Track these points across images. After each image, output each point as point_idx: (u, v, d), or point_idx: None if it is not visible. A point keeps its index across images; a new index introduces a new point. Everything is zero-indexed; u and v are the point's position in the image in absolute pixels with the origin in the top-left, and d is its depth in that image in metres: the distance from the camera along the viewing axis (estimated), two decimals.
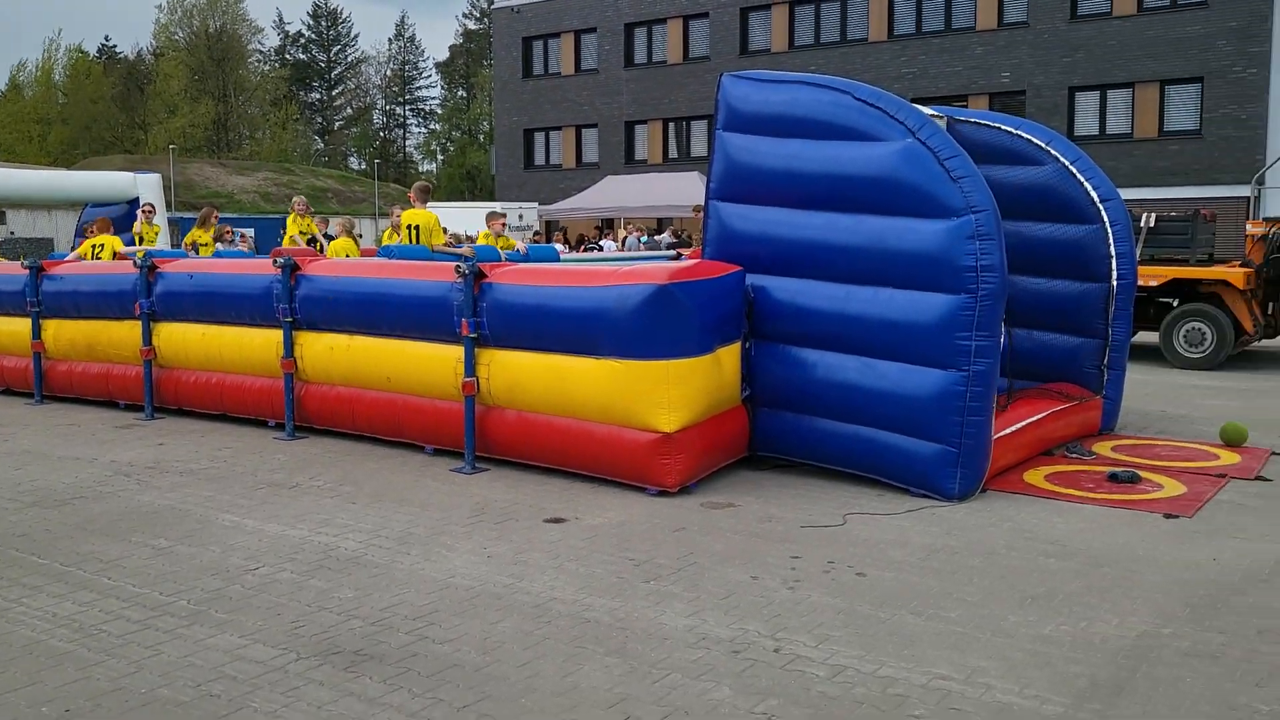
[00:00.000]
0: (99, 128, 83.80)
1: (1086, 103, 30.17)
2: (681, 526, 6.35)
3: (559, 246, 18.35)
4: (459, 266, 7.68)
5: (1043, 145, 8.93)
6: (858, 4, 33.45)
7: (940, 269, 6.80)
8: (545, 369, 7.38)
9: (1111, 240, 8.71)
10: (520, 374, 7.53)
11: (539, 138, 40.54)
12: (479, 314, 7.64)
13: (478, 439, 7.79)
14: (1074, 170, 8.82)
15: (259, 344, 9.23)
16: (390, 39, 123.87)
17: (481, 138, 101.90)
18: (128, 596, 5.16)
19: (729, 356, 7.39)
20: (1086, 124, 30.15)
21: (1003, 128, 9.07)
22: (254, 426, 9.49)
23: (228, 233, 13.66)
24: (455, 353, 7.84)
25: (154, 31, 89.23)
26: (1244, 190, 27.66)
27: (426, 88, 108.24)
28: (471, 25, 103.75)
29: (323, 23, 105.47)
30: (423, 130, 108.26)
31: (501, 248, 12.06)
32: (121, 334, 10.35)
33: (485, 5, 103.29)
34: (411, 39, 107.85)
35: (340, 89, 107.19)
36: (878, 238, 7.03)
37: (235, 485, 7.40)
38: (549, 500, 6.95)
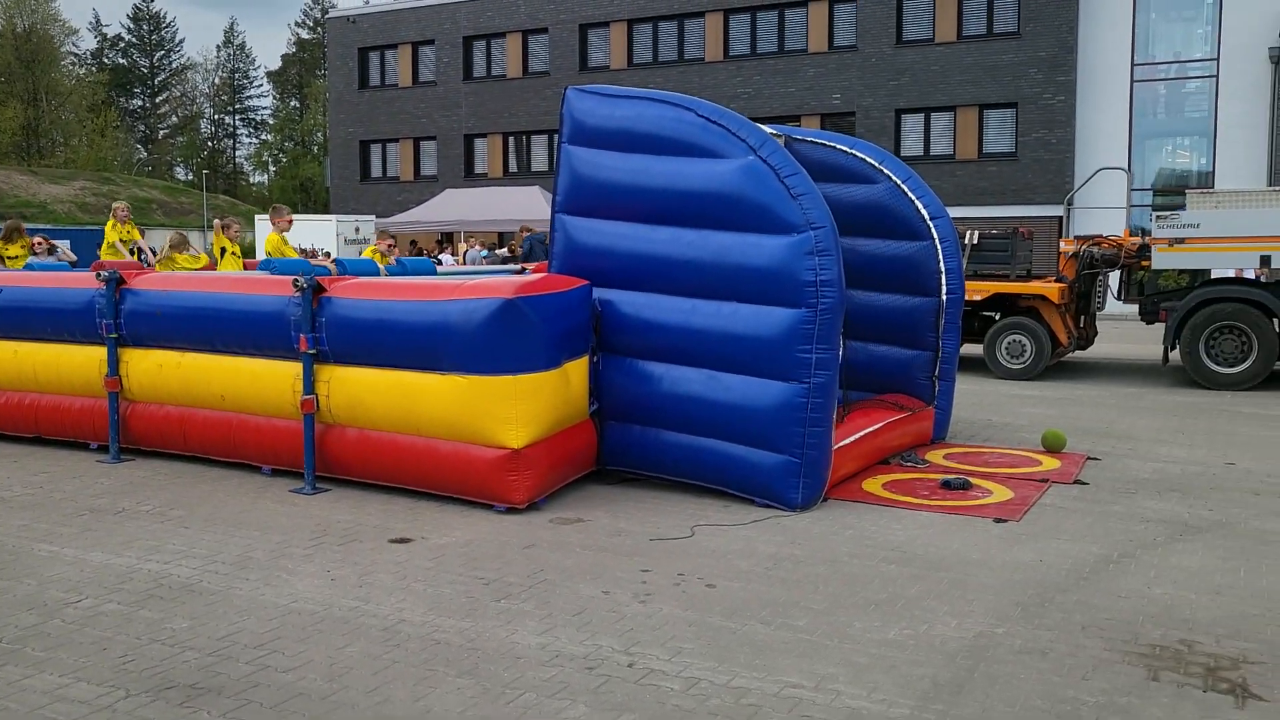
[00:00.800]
0: None
1: (912, 124, 31.47)
2: (531, 543, 6.29)
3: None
4: (297, 280, 7.44)
5: (876, 164, 9.25)
6: (694, 24, 34.05)
7: (781, 284, 6.95)
8: (388, 385, 7.21)
9: (941, 256, 9.08)
10: (361, 391, 7.33)
11: (375, 149, 39.76)
12: (318, 329, 7.42)
13: (318, 458, 7.55)
14: (905, 189, 9.16)
15: (79, 362, 8.73)
16: (219, 45, 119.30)
17: (315, 149, 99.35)
18: None
19: (576, 371, 7.37)
20: (912, 145, 31.44)
21: (838, 147, 9.35)
22: (74, 450, 8.96)
23: (39, 242, 12.85)
24: (293, 369, 7.58)
25: None
26: (1055, 210, 29.36)
27: (258, 97, 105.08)
28: (305, 34, 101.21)
29: (144, 26, 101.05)
30: (254, 140, 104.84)
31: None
32: None
33: (319, 15, 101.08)
34: (241, 46, 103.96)
35: (165, 96, 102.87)
36: (721, 253, 7.14)
37: (53, 513, 6.96)
38: (394, 520, 6.78)
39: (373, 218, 34.54)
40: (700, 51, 33.99)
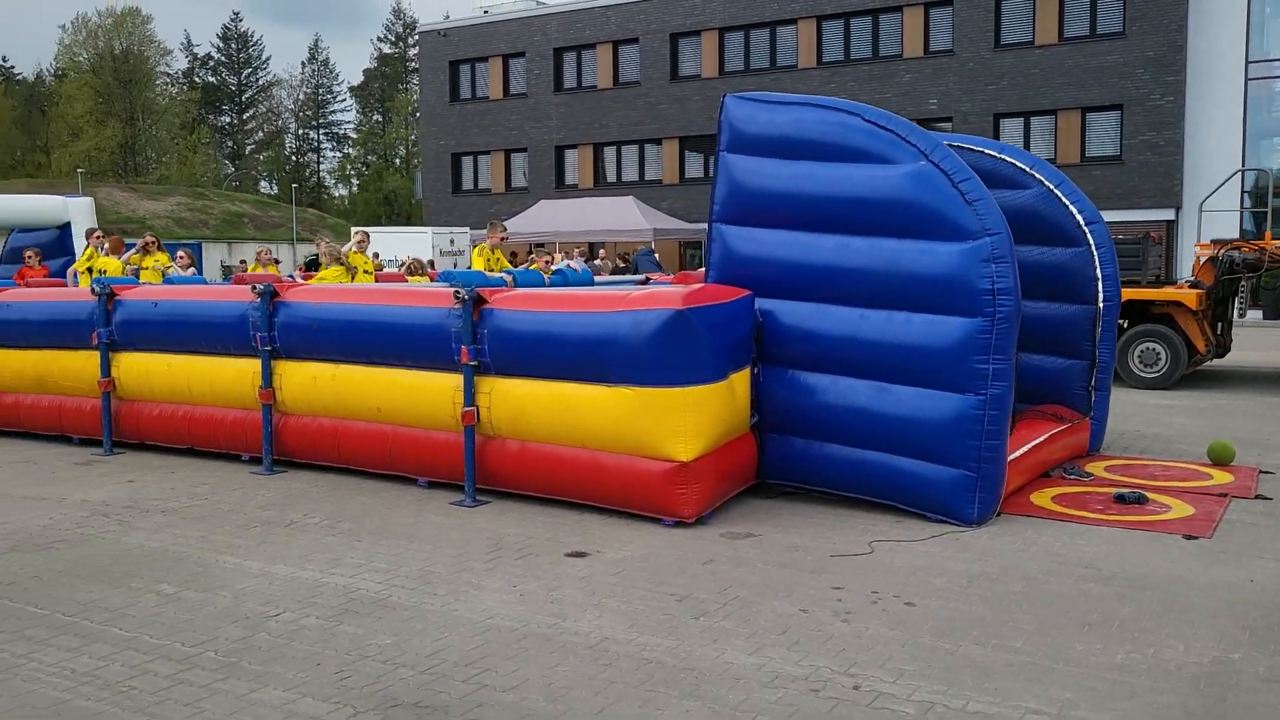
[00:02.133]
0: None
1: (1011, 129, 30.87)
2: (710, 559, 6.17)
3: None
4: (458, 291, 7.43)
5: (1026, 169, 9.00)
6: (786, 31, 33.83)
7: (956, 292, 6.76)
8: (551, 397, 7.15)
9: (1097, 263, 8.80)
10: (524, 403, 7.28)
11: (467, 162, 40.15)
12: (479, 340, 7.39)
13: (478, 471, 7.52)
14: (1059, 193, 8.90)
15: (232, 374, 8.84)
16: (303, 62, 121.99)
17: (398, 161, 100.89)
18: (148, 648, 4.80)
19: (741, 382, 7.25)
20: None
21: (986, 151, 9.12)
22: (226, 461, 9.07)
23: (181, 257, 13.11)
24: (452, 381, 7.57)
25: (56, 53, 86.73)
26: (1163, 214, 28.60)
27: (341, 111, 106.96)
28: (386, 49, 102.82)
29: (233, 45, 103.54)
30: (337, 154, 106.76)
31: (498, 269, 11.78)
32: (76, 365, 9.83)
33: (401, 30, 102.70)
34: (325, 62, 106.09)
35: (252, 113, 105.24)
36: (891, 260, 6.96)
37: (225, 524, 7.01)
38: (563, 534, 6.71)
39: (467, 229, 34.89)
40: (793, 58, 33.76)
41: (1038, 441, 7.92)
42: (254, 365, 8.65)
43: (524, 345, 7.26)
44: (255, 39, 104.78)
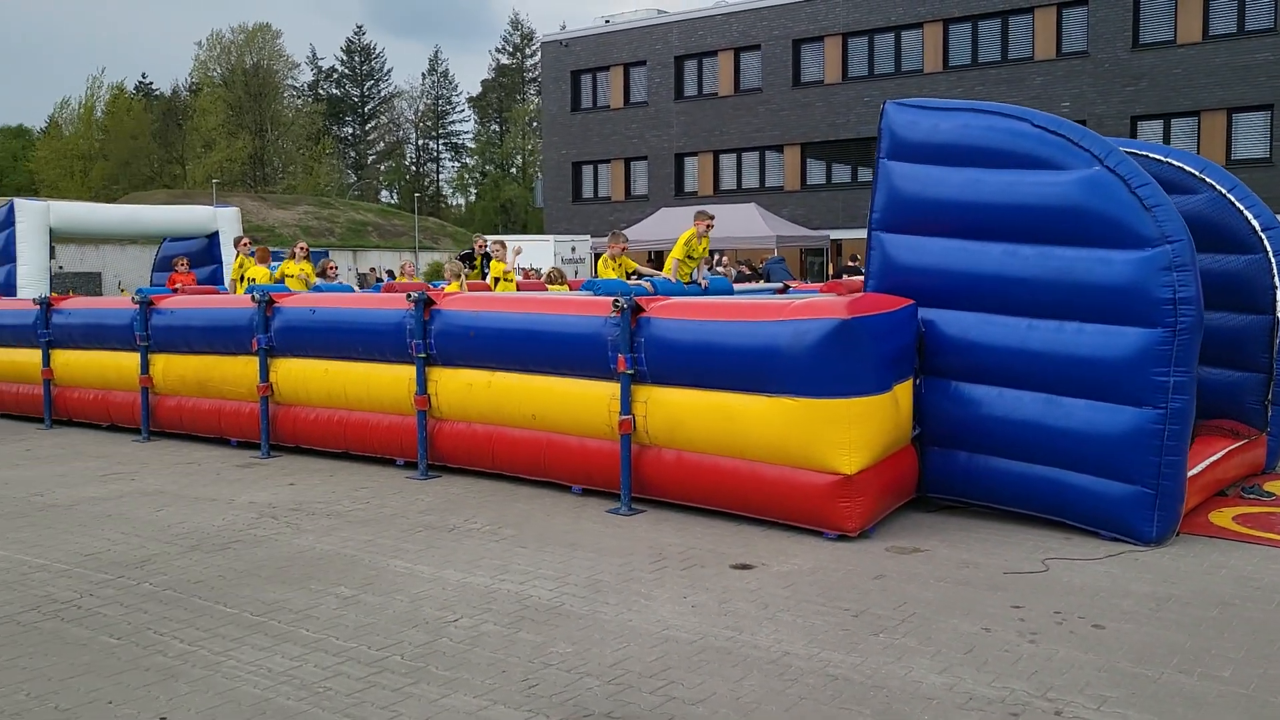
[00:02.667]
0: (138, 163, 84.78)
1: (1149, 132, 29.82)
2: (879, 574, 6.04)
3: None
4: (617, 300, 7.44)
5: (1196, 174, 8.64)
6: (912, 35, 33.29)
7: (1134, 302, 6.51)
8: (709, 407, 7.10)
9: (1275, 271, 8.39)
10: (681, 412, 7.26)
11: (587, 170, 40.50)
12: (636, 349, 7.39)
13: (633, 479, 7.51)
14: (1232, 198, 8.53)
15: (388, 380, 9.02)
16: (424, 74, 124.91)
17: (514, 170, 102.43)
18: (336, 650, 4.90)
19: (904, 394, 7.10)
20: None
21: (1152, 155, 8.78)
22: (380, 465, 9.26)
23: (333, 266, 13.49)
24: (609, 390, 7.59)
25: (192, 68, 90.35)
26: None
27: (459, 122, 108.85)
28: (504, 59, 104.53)
29: (356, 57, 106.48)
30: (455, 164, 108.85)
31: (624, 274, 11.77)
32: (236, 370, 10.16)
33: (518, 40, 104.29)
34: (444, 73, 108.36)
35: (373, 123, 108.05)
36: (1063, 269, 6.73)
37: (390, 528, 7.14)
38: (725, 544, 6.66)
39: (587, 237, 35.22)
40: (918, 63, 33.20)
41: (1215, 458, 7.58)
42: (409, 372, 8.81)
43: (682, 354, 7.23)
44: (377, 51, 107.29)
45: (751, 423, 6.91)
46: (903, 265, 7.44)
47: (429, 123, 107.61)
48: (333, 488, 8.45)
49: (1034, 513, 7.03)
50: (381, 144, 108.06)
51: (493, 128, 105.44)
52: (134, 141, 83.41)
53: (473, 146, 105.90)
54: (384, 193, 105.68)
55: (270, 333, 9.78)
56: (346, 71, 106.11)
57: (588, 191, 40.68)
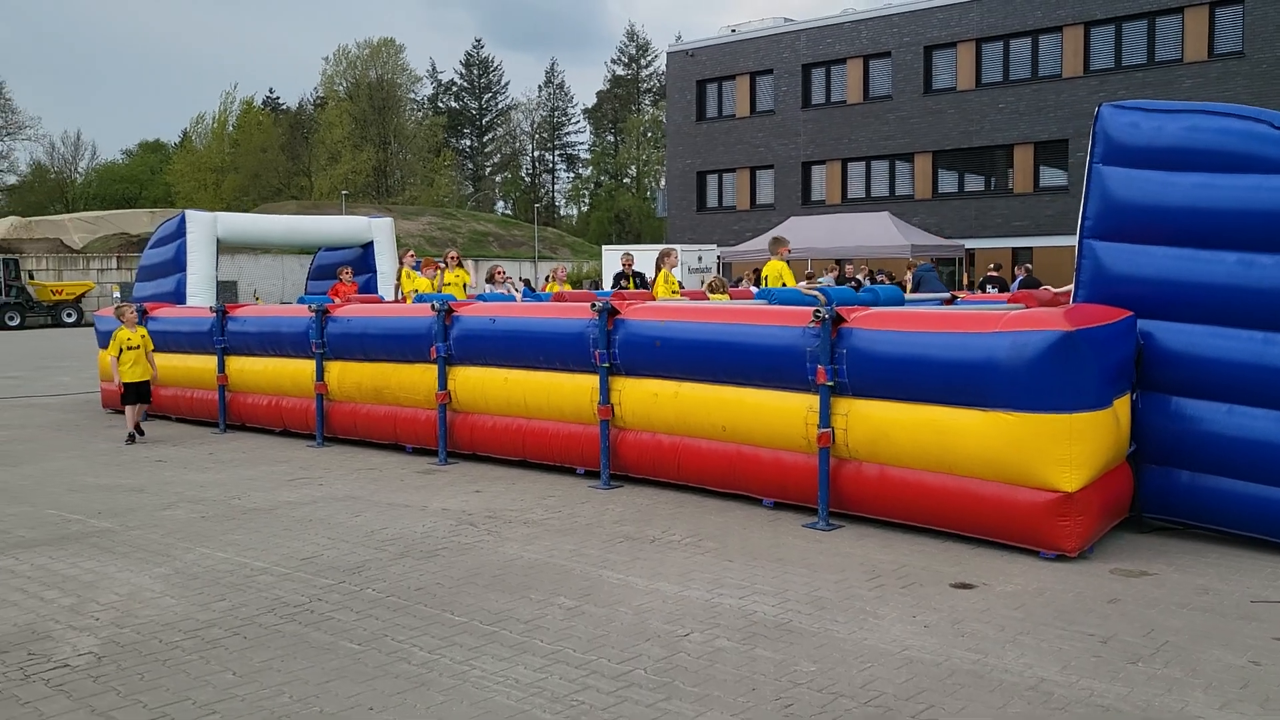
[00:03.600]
0: (267, 175, 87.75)
1: None
2: (1113, 598, 5.77)
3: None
4: (818, 311, 7.30)
5: None
6: (1050, 39, 32.43)
7: None
8: (918, 422, 6.90)
9: None
10: (885, 426, 7.07)
11: (712, 179, 40.45)
12: (837, 360, 7.24)
13: (830, 494, 7.36)
14: None
15: (569, 389, 9.03)
16: (540, 85, 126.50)
17: (628, 181, 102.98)
18: (577, 662, 4.86)
19: (1123, 409, 6.81)
20: None
21: None
22: (558, 474, 9.28)
23: (500, 272, 13.65)
24: (804, 401, 7.46)
25: (320, 82, 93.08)
26: None
27: (574, 133, 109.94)
28: (620, 70, 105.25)
29: (474, 71, 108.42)
30: (570, 175, 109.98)
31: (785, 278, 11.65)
32: (413, 377, 10.31)
33: (634, 51, 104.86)
34: (560, 85, 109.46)
35: (491, 135, 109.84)
36: None
37: (590, 538, 7.11)
38: (936, 563, 6.45)
39: (714, 246, 35.12)
40: (1057, 67, 32.32)
41: None
42: (591, 381, 8.81)
43: (887, 366, 7.06)
44: (495, 64, 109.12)
45: (964, 437, 6.70)
46: (1118, 275, 7.14)
47: (545, 134, 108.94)
48: (519, 495, 8.48)
49: (1269, 538, 6.65)
50: (498, 156, 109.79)
51: (608, 138, 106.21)
52: (263, 155, 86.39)
53: (588, 157, 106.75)
54: (500, 203, 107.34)
55: (449, 341, 9.89)
56: (465, 85, 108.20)
57: (712, 201, 40.61)
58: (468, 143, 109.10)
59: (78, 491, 8.95)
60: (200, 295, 15.25)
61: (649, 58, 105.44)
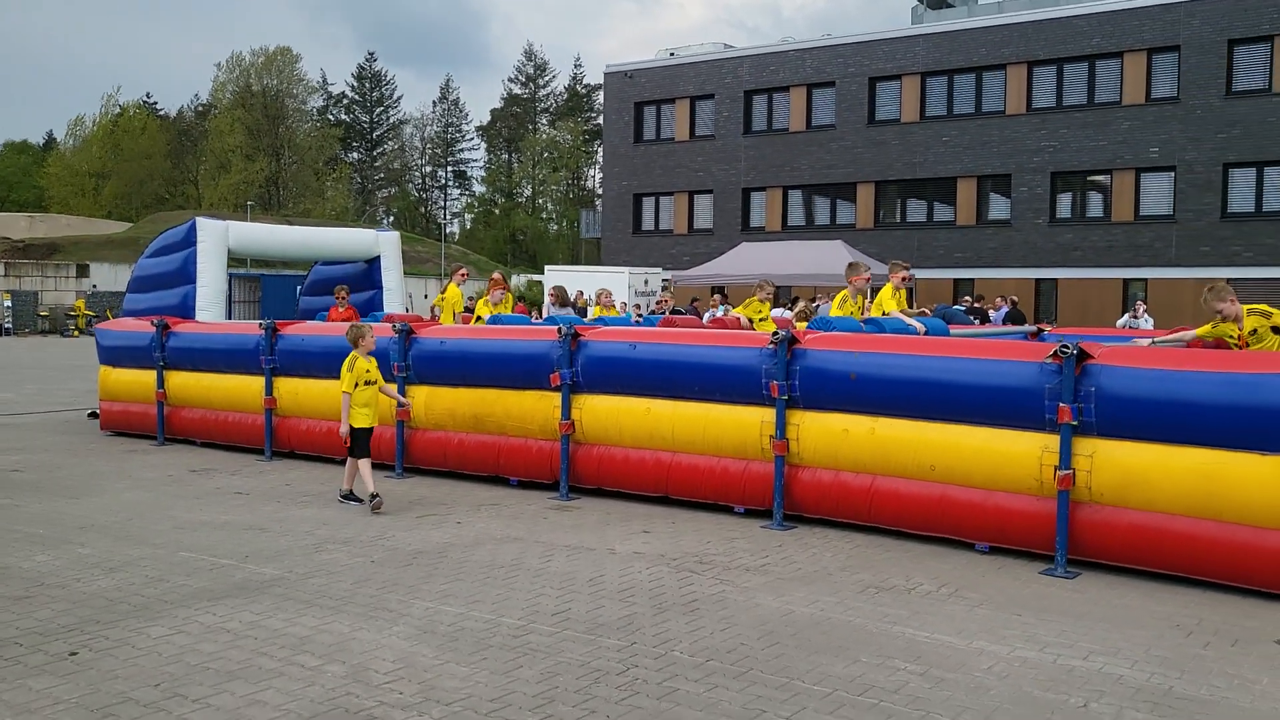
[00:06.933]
0: (152, 183, 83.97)
1: (1241, 178, 29.75)
2: None
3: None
4: (1064, 347, 6.95)
5: None
6: (994, 77, 33.18)
7: None
8: (1184, 467, 6.59)
9: None
10: (1143, 469, 6.74)
11: (648, 202, 40.14)
12: (1083, 399, 6.89)
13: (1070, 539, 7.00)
14: None
15: (729, 422, 8.47)
16: (434, 101, 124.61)
17: (522, 200, 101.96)
18: None
19: None
20: (1241, 201, 29.75)
21: None
22: (710, 512, 8.68)
23: (606, 295, 12.91)
24: (1036, 442, 7.09)
25: (212, 89, 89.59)
26: None
27: (468, 150, 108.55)
28: (516, 89, 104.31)
29: (367, 84, 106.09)
30: (463, 193, 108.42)
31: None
32: (525, 405, 9.59)
33: (531, 70, 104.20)
34: (455, 102, 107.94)
35: (381, 150, 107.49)
36: None
37: (839, 588, 6.53)
38: (1230, 616, 6.13)
39: (659, 269, 34.78)
40: (1000, 104, 33.07)
41: None
42: (760, 414, 8.28)
43: (1141, 406, 6.74)
44: (388, 78, 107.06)
45: (1239, 483, 6.41)
46: None
47: (438, 151, 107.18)
48: (699, 537, 7.86)
49: None
50: (387, 171, 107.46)
51: (503, 156, 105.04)
52: (147, 161, 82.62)
53: (484, 175, 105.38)
54: (387, 219, 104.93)
55: (576, 367, 9.22)
56: (356, 98, 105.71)
57: (649, 224, 40.28)
58: (357, 156, 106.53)
59: (186, 530, 7.97)
60: (210, 310, 14.11)
61: (546, 78, 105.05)
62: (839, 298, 10.97)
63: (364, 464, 8.82)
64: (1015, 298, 26.73)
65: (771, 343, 8.21)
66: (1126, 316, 25.52)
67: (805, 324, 11.51)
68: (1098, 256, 31.63)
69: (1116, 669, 5.22)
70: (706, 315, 20.72)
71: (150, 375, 12.82)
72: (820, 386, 8.05)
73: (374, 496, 8.61)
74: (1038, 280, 32.36)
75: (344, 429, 8.81)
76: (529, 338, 9.75)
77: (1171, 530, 6.69)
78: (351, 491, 9.00)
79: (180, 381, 12.54)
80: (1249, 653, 5.51)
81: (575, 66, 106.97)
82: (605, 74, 41.28)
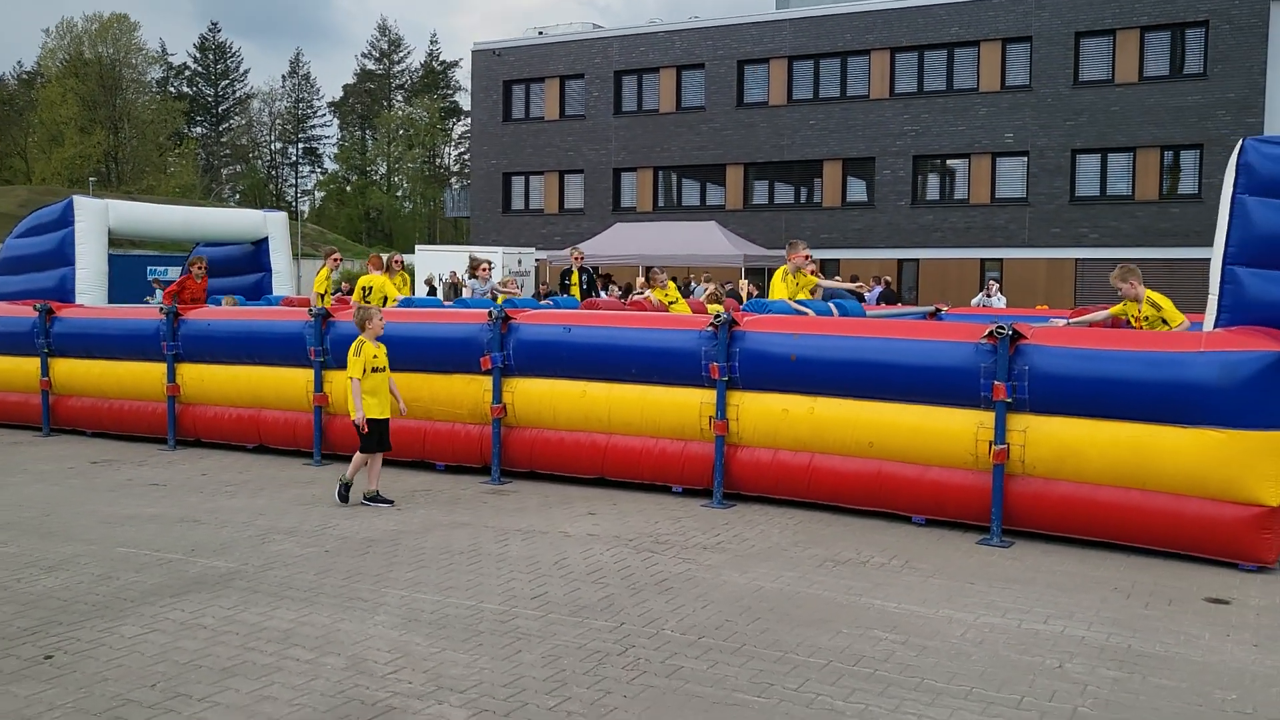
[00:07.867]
0: None
1: (1088, 164, 31.42)
2: None
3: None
4: (1000, 328, 7.31)
5: None
6: (858, 62, 34.12)
7: None
8: (1111, 440, 7.03)
9: None
10: (1075, 443, 7.16)
11: (518, 182, 39.87)
12: (1016, 378, 7.27)
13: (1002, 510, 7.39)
14: None
15: (668, 404, 8.60)
16: (284, 76, 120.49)
17: (378, 179, 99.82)
18: (995, 700, 4.60)
19: None
20: (1088, 185, 31.42)
21: None
22: (648, 492, 8.79)
23: (484, 268, 12.73)
24: (972, 418, 7.45)
25: (40, 56, 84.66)
26: None
27: (321, 127, 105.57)
28: (370, 65, 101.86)
29: (210, 56, 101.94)
30: (316, 171, 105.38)
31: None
32: (452, 389, 9.52)
33: (385, 46, 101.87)
34: (306, 77, 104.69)
35: (228, 125, 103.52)
36: None
37: (796, 564, 6.73)
38: (1164, 578, 6.56)
39: (533, 249, 34.64)
40: (864, 89, 34.03)
41: None
42: (699, 396, 8.45)
43: (1074, 384, 7.15)
44: (234, 51, 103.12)
45: (1165, 455, 6.88)
46: (1260, 300, 7.54)
47: (289, 127, 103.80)
48: (646, 518, 7.97)
49: None
50: (234, 147, 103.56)
51: (356, 133, 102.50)
52: None
53: (336, 152, 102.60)
54: (235, 196, 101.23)
55: (507, 351, 9.20)
56: (199, 70, 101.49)
57: (518, 203, 40.04)
58: (202, 131, 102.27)
59: (114, 525, 7.66)
60: (92, 293, 13.47)
61: (401, 54, 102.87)
62: (779, 274, 11.06)
63: (375, 460, 8.41)
64: (889, 278, 27.66)
65: (712, 325, 8.36)
66: (980, 295, 26.68)
67: (717, 305, 11.74)
68: (956, 237, 32.97)
69: (1076, 630, 5.57)
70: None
71: (29, 362, 12.19)
72: (760, 368, 8.25)
73: (376, 496, 8.40)
74: (900, 260, 33.54)
75: (358, 418, 8.20)
76: (457, 321, 9.66)
77: (1100, 500, 7.13)
78: (379, 493, 8.41)
79: (67, 369, 11.96)
80: (1185, 610, 5.95)
81: (431, 43, 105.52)
82: (473, 51, 40.74)
